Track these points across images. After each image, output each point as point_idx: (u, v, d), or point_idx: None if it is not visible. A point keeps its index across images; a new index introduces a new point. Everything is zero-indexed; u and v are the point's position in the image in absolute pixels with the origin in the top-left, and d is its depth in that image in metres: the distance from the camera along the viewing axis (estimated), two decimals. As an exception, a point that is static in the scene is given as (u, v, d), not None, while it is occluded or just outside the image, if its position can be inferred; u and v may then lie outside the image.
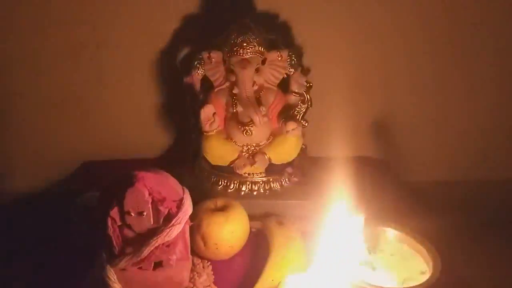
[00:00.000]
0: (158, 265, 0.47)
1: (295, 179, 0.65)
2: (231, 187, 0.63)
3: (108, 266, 0.46)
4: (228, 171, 0.63)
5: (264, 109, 0.62)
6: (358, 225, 0.45)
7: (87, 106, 0.76)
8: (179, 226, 0.46)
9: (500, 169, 0.82)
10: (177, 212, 0.46)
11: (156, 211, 0.45)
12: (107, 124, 0.78)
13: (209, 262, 0.52)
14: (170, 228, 0.45)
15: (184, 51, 0.70)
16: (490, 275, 0.58)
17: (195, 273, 0.50)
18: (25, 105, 0.75)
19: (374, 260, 0.48)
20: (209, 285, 0.49)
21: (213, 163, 0.63)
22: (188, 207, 0.47)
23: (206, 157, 0.63)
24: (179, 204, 0.46)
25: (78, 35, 0.71)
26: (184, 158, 0.71)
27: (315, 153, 0.76)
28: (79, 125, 0.77)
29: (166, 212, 0.45)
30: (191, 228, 0.51)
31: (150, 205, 0.45)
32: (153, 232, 0.45)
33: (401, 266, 0.47)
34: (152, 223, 0.45)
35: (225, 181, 0.63)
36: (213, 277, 0.51)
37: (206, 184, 0.64)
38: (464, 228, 0.73)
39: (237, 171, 0.62)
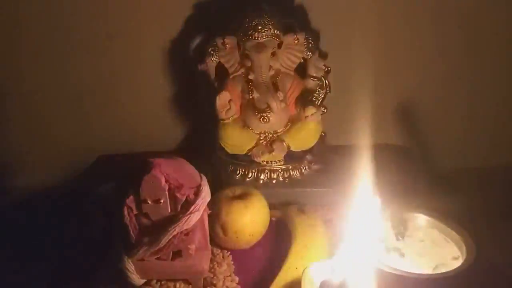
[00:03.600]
0: (176, 255, 0.46)
1: (315, 166, 0.63)
2: (249, 176, 0.61)
3: (126, 257, 0.45)
4: (246, 160, 0.61)
5: (281, 94, 0.60)
6: (380, 208, 0.42)
7: (101, 99, 0.75)
8: (198, 213, 0.44)
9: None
10: (195, 199, 0.44)
11: (174, 199, 0.44)
12: (122, 117, 0.77)
13: (229, 252, 0.51)
14: (188, 216, 0.43)
15: (198, 39, 0.68)
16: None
17: (215, 263, 0.48)
18: (38, 100, 0.75)
19: (402, 246, 0.46)
20: (229, 275, 0.47)
21: (230, 152, 0.61)
22: (206, 194, 0.45)
23: (223, 146, 0.61)
24: (197, 191, 0.45)
25: (90, 27, 0.70)
26: (201, 149, 0.69)
27: (335, 142, 0.74)
28: (93, 118, 0.77)
29: (183, 199, 0.44)
30: (210, 217, 0.49)
31: (167, 193, 0.43)
32: (171, 221, 0.44)
33: (431, 252, 0.45)
34: (169, 211, 0.44)
35: (243, 170, 0.61)
36: (234, 267, 0.49)
37: (224, 174, 0.62)
38: (494, 215, 0.70)
39: (255, 160, 0.61)
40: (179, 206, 0.44)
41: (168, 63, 0.73)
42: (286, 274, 0.43)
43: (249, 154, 0.61)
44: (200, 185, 0.45)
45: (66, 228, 0.54)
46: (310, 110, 0.58)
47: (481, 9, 0.70)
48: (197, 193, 0.44)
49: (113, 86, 0.74)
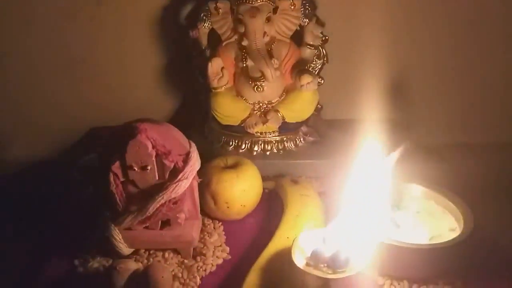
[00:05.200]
0: (165, 224, 0.45)
1: (310, 138, 0.61)
2: (243, 147, 0.59)
3: (112, 225, 0.43)
4: (239, 131, 0.59)
5: (276, 62, 0.57)
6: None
7: (92, 69, 0.72)
8: (186, 181, 0.42)
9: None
10: (183, 167, 0.42)
11: (161, 166, 0.42)
12: (113, 88, 0.74)
13: (220, 222, 0.49)
14: (176, 184, 0.42)
15: (190, 4, 0.65)
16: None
17: (205, 233, 0.47)
18: (29, 70, 0.72)
19: (398, 217, 0.44)
20: (220, 245, 0.46)
21: (223, 122, 0.59)
22: (195, 162, 0.43)
23: (215, 116, 0.59)
24: (186, 158, 0.43)
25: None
26: (193, 120, 0.67)
27: (332, 115, 0.72)
28: (85, 89, 0.74)
29: (171, 167, 0.42)
30: (200, 187, 0.48)
31: (154, 159, 0.41)
32: (159, 188, 0.42)
33: (428, 223, 0.43)
34: (157, 178, 0.42)
35: (236, 141, 0.59)
36: (225, 237, 0.48)
37: (216, 145, 0.60)
38: (491, 189, 0.69)
39: (249, 131, 0.59)
40: (167, 174, 0.42)
41: (160, 30, 0.70)
42: (276, 243, 0.42)
43: (242, 125, 0.59)
44: (189, 152, 0.43)
45: (53, 197, 0.52)
46: (306, 79, 0.56)
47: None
48: (185, 161, 0.43)
49: (104, 55, 0.71)
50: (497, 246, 0.45)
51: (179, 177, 0.42)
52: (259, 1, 0.55)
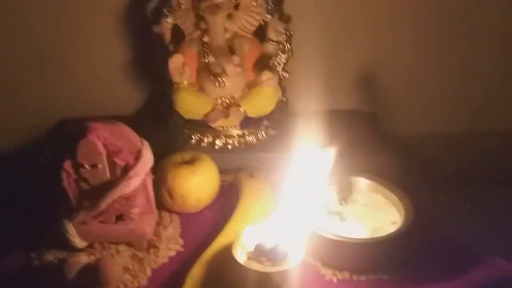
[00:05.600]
0: (120, 218, 0.46)
1: (273, 132, 0.62)
2: (205, 141, 0.60)
3: (66, 220, 0.45)
4: (202, 125, 0.60)
5: (237, 58, 0.58)
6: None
7: (58, 62, 0.72)
8: (137, 178, 0.44)
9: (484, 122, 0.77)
10: (134, 165, 0.44)
11: (112, 164, 0.43)
12: (80, 81, 0.74)
13: (178, 215, 0.51)
14: (127, 181, 0.43)
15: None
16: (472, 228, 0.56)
17: (161, 226, 0.49)
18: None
19: (344, 210, 0.46)
20: (174, 238, 0.48)
21: (185, 116, 0.60)
22: (147, 160, 0.45)
23: (178, 110, 0.60)
24: (137, 156, 0.44)
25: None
26: (159, 114, 0.68)
27: (299, 108, 0.73)
28: (53, 82, 0.74)
29: (123, 165, 0.43)
30: (157, 181, 0.49)
31: (104, 157, 0.43)
32: (110, 185, 0.43)
33: (372, 217, 0.45)
34: (109, 176, 0.44)
35: (199, 135, 0.61)
36: (180, 230, 0.49)
37: (180, 140, 0.62)
38: (450, 181, 0.70)
39: (211, 125, 0.60)
40: (119, 171, 0.44)
41: (127, 24, 0.70)
42: (225, 237, 0.43)
43: (205, 119, 0.60)
44: (140, 150, 0.44)
45: (14, 192, 0.54)
46: (266, 75, 0.57)
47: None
48: (137, 158, 0.44)
49: (70, 49, 0.71)
50: (439, 237, 0.46)
51: (130, 174, 0.43)
52: (219, -3, 0.55)
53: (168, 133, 0.63)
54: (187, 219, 0.51)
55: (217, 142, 0.60)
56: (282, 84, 0.65)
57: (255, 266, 0.37)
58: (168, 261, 0.45)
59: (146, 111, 0.73)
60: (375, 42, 0.73)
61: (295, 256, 0.37)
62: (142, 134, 0.65)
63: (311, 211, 0.40)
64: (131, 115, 0.74)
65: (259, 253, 0.38)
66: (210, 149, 0.59)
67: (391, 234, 0.40)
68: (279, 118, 0.64)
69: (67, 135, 0.44)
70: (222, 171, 0.55)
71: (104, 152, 0.42)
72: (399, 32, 0.72)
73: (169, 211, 0.51)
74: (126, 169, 0.44)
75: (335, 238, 0.40)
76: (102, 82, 0.73)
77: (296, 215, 0.39)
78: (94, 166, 0.43)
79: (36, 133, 0.72)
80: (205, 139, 0.60)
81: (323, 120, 0.70)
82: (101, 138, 0.42)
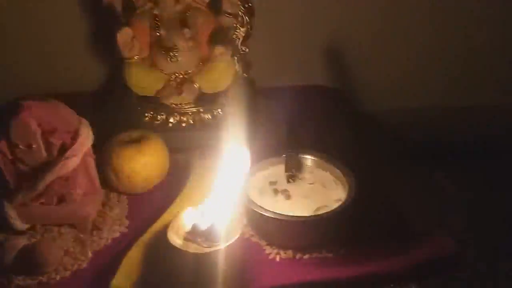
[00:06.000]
0: (62, 200, 0.45)
1: (230, 109, 0.61)
2: (158, 119, 0.59)
3: (5, 203, 0.43)
4: (155, 102, 0.58)
5: (188, 31, 0.56)
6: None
7: (14, 36, 0.70)
8: (75, 159, 0.42)
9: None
10: (71, 144, 0.42)
11: (48, 144, 0.42)
12: (38, 56, 0.71)
13: (126, 196, 0.50)
14: (64, 161, 0.42)
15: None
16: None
17: (107, 207, 0.48)
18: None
19: (291, 189, 0.45)
20: (120, 219, 0.47)
21: (138, 93, 0.58)
22: (85, 139, 0.43)
23: (129, 86, 0.58)
24: (74, 135, 0.43)
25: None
26: (116, 90, 0.66)
27: (264, 83, 0.71)
28: (9, 57, 0.72)
29: (59, 145, 0.42)
30: (103, 161, 0.48)
31: (38, 137, 0.41)
32: (48, 166, 0.42)
33: (318, 195, 0.45)
34: (45, 156, 0.42)
35: (152, 113, 0.59)
36: (127, 211, 0.48)
37: (134, 117, 0.59)
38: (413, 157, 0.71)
39: (164, 101, 0.58)
40: (55, 151, 0.42)
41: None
42: (166, 218, 0.43)
43: (157, 96, 0.58)
44: (78, 129, 0.43)
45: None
46: (218, 50, 0.55)
47: None
48: (74, 138, 0.43)
49: (24, 21, 0.68)
50: (384, 215, 0.46)
51: (66, 154, 0.42)
52: (168, -34, 0.52)
53: (122, 110, 0.61)
54: (136, 199, 0.50)
55: (171, 119, 0.58)
56: (243, 59, 0.64)
57: (191, 247, 0.37)
58: (111, 243, 0.44)
59: (104, 87, 0.71)
60: (342, 16, 0.71)
61: (231, 235, 0.37)
62: (96, 111, 0.64)
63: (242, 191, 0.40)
64: (89, 91, 0.71)
65: (195, 234, 0.38)
66: (164, 127, 0.58)
67: (330, 211, 0.40)
68: (239, 93, 0.63)
69: (1, 114, 0.42)
70: (175, 150, 0.54)
71: (38, 132, 0.41)
72: (366, 5, 0.70)
73: (118, 191, 0.50)
74: (63, 149, 0.42)
75: (275, 216, 0.40)
76: (62, 56, 0.70)
77: (231, 195, 0.38)
78: (29, 146, 0.41)
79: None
80: (159, 117, 0.58)
81: (285, 96, 0.69)
82: (35, 117, 0.41)
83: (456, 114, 0.75)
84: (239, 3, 0.59)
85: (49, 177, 0.42)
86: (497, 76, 0.77)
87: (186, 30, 0.56)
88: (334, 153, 0.50)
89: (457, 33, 0.72)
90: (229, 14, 0.59)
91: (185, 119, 0.59)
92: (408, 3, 0.70)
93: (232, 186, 0.38)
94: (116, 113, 0.61)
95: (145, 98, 0.59)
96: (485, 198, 0.66)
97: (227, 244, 0.36)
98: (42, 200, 0.44)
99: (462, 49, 0.73)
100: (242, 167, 0.39)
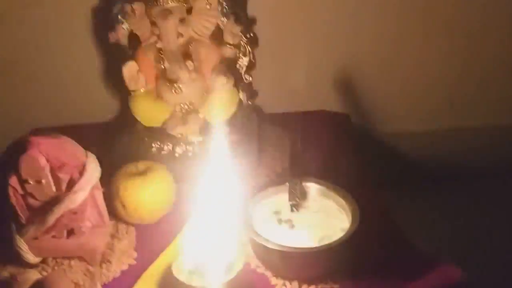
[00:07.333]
0: (71, 233, 0.46)
1: (235, 137, 0.62)
2: (165, 150, 0.60)
3: (17, 236, 0.45)
4: (161, 133, 0.60)
5: (191, 63, 0.58)
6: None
7: (27, 71, 0.72)
8: (83, 192, 0.43)
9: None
10: (79, 178, 0.43)
11: (57, 178, 0.43)
12: (52, 89, 0.74)
13: (134, 227, 0.51)
14: (72, 195, 0.43)
15: (119, 5, 0.65)
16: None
17: (115, 238, 0.48)
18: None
19: (295, 218, 0.46)
20: (128, 251, 0.47)
21: (145, 124, 0.60)
22: (92, 173, 0.44)
23: (137, 118, 0.60)
24: (82, 170, 0.44)
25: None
26: (126, 121, 0.68)
27: (270, 109, 0.72)
28: (23, 91, 0.74)
29: (67, 179, 0.43)
30: (111, 193, 0.49)
31: (48, 173, 0.42)
32: (57, 200, 0.43)
33: (323, 224, 0.45)
34: (54, 190, 0.43)
35: (159, 143, 0.60)
36: (135, 242, 0.49)
37: (142, 148, 0.61)
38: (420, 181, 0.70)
39: (170, 132, 0.59)
40: (64, 186, 0.43)
41: (92, 30, 0.70)
42: (172, 250, 0.43)
43: (163, 126, 0.59)
44: (85, 163, 0.44)
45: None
46: (220, 81, 0.57)
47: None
48: (81, 172, 0.44)
49: (37, 57, 0.71)
50: (391, 242, 0.46)
51: (74, 188, 0.43)
52: (170, 2, 0.54)
53: (130, 141, 0.62)
54: (144, 231, 0.50)
55: (177, 149, 0.60)
56: (247, 88, 0.65)
57: (196, 280, 0.37)
58: (120, 275, 0.45)
59: (114, 119, 0.73)
60: (347, 42, 0.71)
61: (235, 267, 0.37)
62: (106, 142, 0.66)
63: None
64: (99, 123, 0.73)
65: (199, 267, 0.38)
66: (171, 157, 0.59)
67: (333, 242, 0.40)
68: (243, 122, 0.64)
69: (12, 150, 0.44)
70: (181, 179, 0.55)
71: (47, 167, 0.42)
72: (373, 30, 0.71)
73: (126, 223, 0.51)
74: (71, 184, 0.43)
75: (279, 248, 0.40)
76: (73, 90, 0.72)
77: (233, 226, 0.39)
78: (38, 181, 0.43)
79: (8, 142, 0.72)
80: (165, 147, 0.60)
81: (290, 122, 0.70)
82: (43, 153, 0.42)
83: (464, 137, 0.74)
84: (240, 34, 0.61)
85: (58, 211, 0.43)
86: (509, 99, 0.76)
87: (188, 63, 0.57)
88: (339, 179, 0.50)
89: (461, 59, 0.72)
90: (231, 44, 0.61)
91: (191, 148, 0.60)
92: (415, 29, 0.71)
93: (233, 217, 0.38)
94: (124, 144, 0.63)
95: (152, 129, 0.60)
96: (497, 222, 0.64)
97: (231, 277, 0.37)
98: (53, 234, 0.45)
99: (467, 76, 0.73)
100: (239, 197, 0.40)
